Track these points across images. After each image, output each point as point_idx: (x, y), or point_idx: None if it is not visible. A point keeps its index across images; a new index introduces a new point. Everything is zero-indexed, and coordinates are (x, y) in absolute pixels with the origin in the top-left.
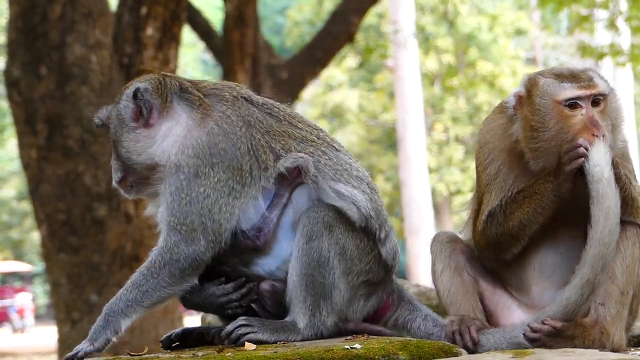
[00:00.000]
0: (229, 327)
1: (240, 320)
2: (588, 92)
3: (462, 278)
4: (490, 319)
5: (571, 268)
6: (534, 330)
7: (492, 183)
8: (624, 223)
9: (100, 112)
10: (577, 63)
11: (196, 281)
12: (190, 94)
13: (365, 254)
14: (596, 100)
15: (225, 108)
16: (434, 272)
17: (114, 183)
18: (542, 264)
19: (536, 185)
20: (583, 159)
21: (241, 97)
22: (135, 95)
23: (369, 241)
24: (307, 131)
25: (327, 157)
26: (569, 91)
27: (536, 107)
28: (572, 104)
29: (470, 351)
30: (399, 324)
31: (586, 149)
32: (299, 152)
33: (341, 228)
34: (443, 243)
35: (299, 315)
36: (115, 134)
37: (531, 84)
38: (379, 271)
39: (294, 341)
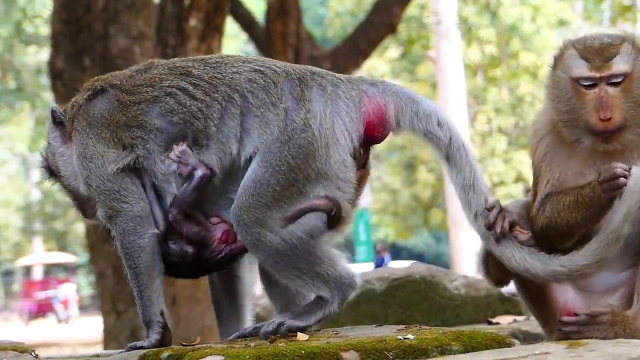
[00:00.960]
0: (269, 328)
1: (277, 317)
2: (600, 75)
3: None
4: (548, 300)
5: (630, 254)
6: (565, 324)
7: (541, 165)
8: None
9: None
10: None
11: (149, 234)
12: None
13: None
14: (618, 81)
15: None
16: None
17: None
18: None
19: (580, 196)
20: (623, 187)
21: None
22: (52, 115)
23: None
24: None
25: None
26: (582, 70)
27: (556, 79)
28: (586, 82)
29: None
30: None
31: (625, 177)
32: None
33: None
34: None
35: (315, 291)
36: (55, 167)
37: (560, 53)
38: None
39: (333, 311)
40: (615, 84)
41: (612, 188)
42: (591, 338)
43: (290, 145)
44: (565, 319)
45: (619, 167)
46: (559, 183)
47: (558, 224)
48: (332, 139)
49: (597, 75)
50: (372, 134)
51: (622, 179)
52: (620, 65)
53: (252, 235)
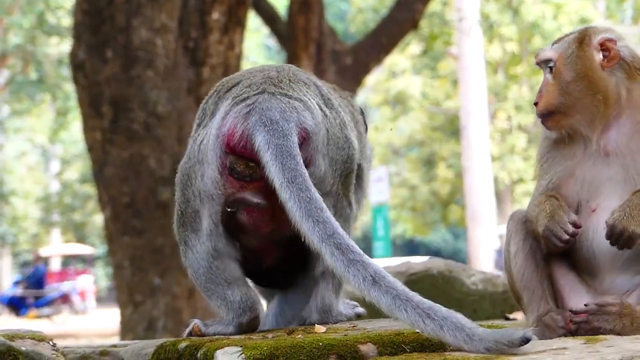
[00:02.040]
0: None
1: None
2: (535, 60)
3: (536, 261)
4: (559, 302)
5: None
6: (576, 313)
7: (539, 166)
8: None
9: None
10: None
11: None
12: None
13: None
14: (550, 67)
15: None
16: (507, 252)
17: None
18: (612, 250)
19: (538, 216)
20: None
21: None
22: None
23: None
24: None
25: None
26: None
27: None
28: (538, 68)
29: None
30: None
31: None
32: None
33: None
34: (519, 223)
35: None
36: None
37: None
38: None
39: (230, 333)
40: (551, 70)
41: (549, 241)
42: (599, 328)
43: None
44: (576, 308)
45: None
46: (552, 185)
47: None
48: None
49: (535, 60)
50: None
51: (559, 242)
52: (546, 52)
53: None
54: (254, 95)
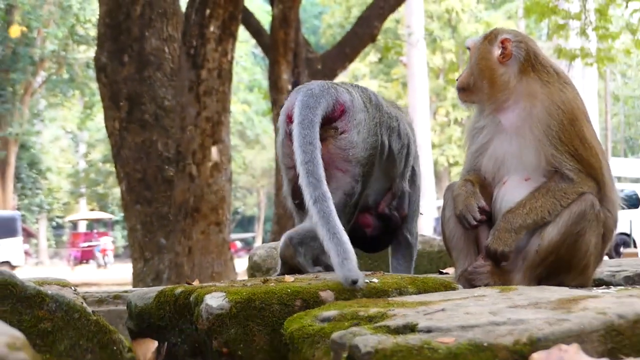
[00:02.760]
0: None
1: None
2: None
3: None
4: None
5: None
6: (468, 273)
7: (465, 144)
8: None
9: None
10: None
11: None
12: None
13: None
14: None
15: None
16: (443, 217)
17: None
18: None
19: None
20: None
21: None
22: None
23: None
24: None
25: None
26: None
27: None
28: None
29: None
30: None
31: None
32: None
33: None
34: (457, 186)
35: None
36: None
37: None
38: None
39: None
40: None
41: (462, 223)
42: (479, 285)
43: None
44: (467, 268)
45: (472, 217)
46: (473, 161)
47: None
48: None
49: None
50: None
51: (468, 225)
52: (468, 41)
53: None
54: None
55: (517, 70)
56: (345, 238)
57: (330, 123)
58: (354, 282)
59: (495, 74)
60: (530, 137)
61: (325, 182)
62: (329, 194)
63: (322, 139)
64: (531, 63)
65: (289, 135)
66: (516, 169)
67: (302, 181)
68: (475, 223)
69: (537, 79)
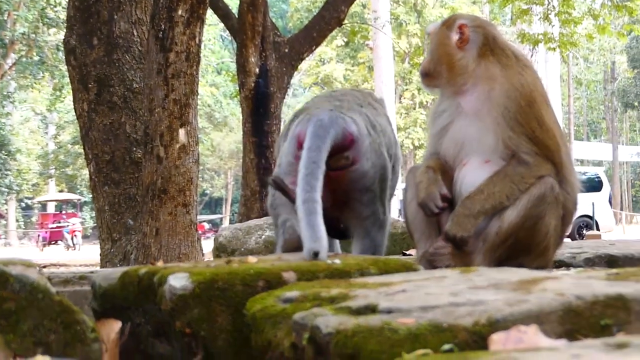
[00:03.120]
0: None
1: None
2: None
3: None
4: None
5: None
6: (429, 254)
7: (429, 127)
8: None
9: None
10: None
11: None
12: None
13: None
14: None
15: None
16: (405, 199)
17: None
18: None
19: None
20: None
21: None
22: None
23: None
24: None
25: None
26: None
27: None
28: None
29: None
30: None
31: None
32: None
33: None
34: (419, 173)
35: None
36: None
37: None
38: None
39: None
40: None
41: (424, 211)
42: (440, 266)
43: None
44: (428, 249)
45: (434, 205)
46: (435, 145)
47: None
48: None
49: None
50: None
51: (430, 213)
52: (429, 28)
53: None
54: (317, 111)
55: (476, 55)
56: (320, 221)
57: (342, 152)
58: (316, 254)
59: (453, 58)
60: (488, 119)
61: (319, 192)
62: (319, 200)
63: (336, 169)
64: (490, 47)
65: (297, 159)
66: (476, 152)
67: (298, 188)
68: (437, 211)
69: (495, 62)
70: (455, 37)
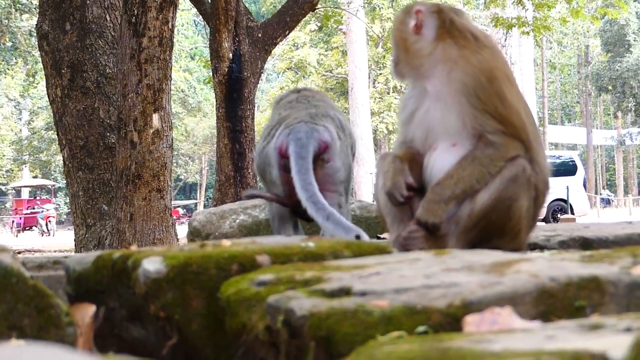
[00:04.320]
0: None
1: None
2: None
3: None
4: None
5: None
6: (402, 238)
7: (398, 113)
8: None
9: None
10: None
11: None
12: None
13: None
14: None
15: None
16: (376, 184)
17: None
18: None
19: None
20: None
21: None
22: None
23: None
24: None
25: None
26: None
27: None
28: None
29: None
30: None
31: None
32: None
33: None
34: (387, 162)
35: None
36: None
37: None
38: None
39: None
40: None
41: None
42: (413, 250)
43: None
44: (401, 233)
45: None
46: (405, 132)
47: None
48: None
49: None
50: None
51: (396, 202)
52: (394, 17)
53: None
54: (295, 123)
55: (432, 38)
56: (342, 217)
57: (319, 155)
58: (358, 236)
59: (407, 43)
60: (451, 100)
61: (325, 201)
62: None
63: (314, 169)
64: (447, 30)
65: (283, 167)
66: (443, 135)
67: (311, 210)
68: (402, 200)
69: (452, 44)
70: (412, 22)
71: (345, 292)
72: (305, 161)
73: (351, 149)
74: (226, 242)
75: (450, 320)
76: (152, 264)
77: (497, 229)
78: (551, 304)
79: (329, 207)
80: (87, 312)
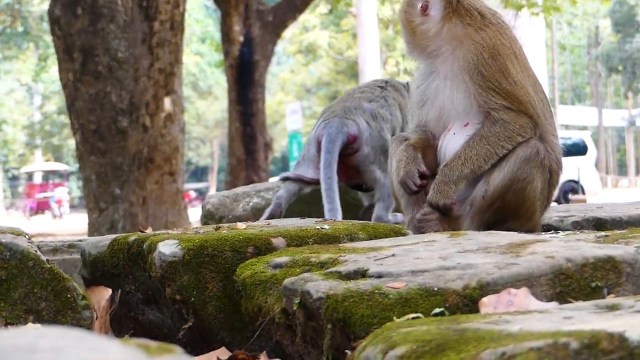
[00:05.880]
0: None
1: None
2: None
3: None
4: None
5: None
6: (417, 220)
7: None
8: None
9: None
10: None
11: None
12: None
13: None
14: None
15: None
16: (390, 166)
17: None
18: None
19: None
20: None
21: None
22: None
23: None
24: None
25: None
26: None
27: None
28: None
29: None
30: None
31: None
32: None
33: None
34: (400, 149)
35: None
36: None
37: None
38: None
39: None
40: None
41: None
42: (428, 231)
43: None
44: (415, 215)
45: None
46: (421, 115)
47: None
48: None
49: None
50: None
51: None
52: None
53: None
54: (331, 117)
55: (439, 19)
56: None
57: (349, 145)
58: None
59: (414, 24)
60: (458, 79)
61: (338, 202)
62: (339, 208)
63: (347, 155)
64: (453, 9)
65: (318, 153)
66: (454, 116)
67: (324, 199)
68: (415, 189)
69: (458, 22)
70: (419, 4)
71: (361, 274)
72: (331, 155)
73: (393, 130)
74: (241, 225)
75: (466, 301)
76: (167, 247)
77: (512, 210)
78: (567, 284)
79: (337, 203)
80: (103, 295)
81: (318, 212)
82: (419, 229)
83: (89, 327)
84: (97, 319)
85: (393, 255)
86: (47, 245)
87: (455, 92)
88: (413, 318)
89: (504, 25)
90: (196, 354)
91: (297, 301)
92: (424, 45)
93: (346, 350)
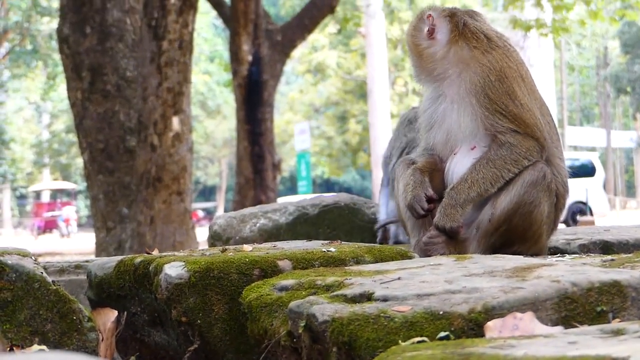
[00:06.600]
0: None
1: None
2: None
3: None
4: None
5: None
6: (423, 243)
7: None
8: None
9: None
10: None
11: None
12: None
13: None
14: None
15: None
16: (397, 189)
17: None
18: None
19: (405, 185)
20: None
21: None
22: None
23: None
24: None
25: None
26: None
27: None
28: None
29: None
30: None
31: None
32: None
33: None
34: (407, 173)
35: None
36: None
37: None
38: None
39: None
40: None
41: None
42: (434, 255)
43: None
44: (421, 239)
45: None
46: (428, 139)
47: None
48: None
49: None
50: None
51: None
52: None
53: None
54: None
55: (446, 42)
56: None
57: None
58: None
59: (421, 48)
60: (465, 102)
61: None
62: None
63: None
64: (459, 32)
65: None
66: (461, 139)
67: None
68: (423, 213)
69: (464, 45)
70: (425, 28)
71: (367, 297)
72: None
73: None
74: (247, 247)
75: (472, 325)
76: (174, 269)
77: (518, 234)
78: (573, 309)
79: None
80: (109, 317)
81: (324, 234)
82: (425, 252)
83: (94, 349)
84: (102, 340)
85: (399, 278)
86: (53, 265)
87: (462, 115)
88: (418, 342)
89: (510, 48)
90: None
91: (302, 324)
92: (431, 68)
93: None
